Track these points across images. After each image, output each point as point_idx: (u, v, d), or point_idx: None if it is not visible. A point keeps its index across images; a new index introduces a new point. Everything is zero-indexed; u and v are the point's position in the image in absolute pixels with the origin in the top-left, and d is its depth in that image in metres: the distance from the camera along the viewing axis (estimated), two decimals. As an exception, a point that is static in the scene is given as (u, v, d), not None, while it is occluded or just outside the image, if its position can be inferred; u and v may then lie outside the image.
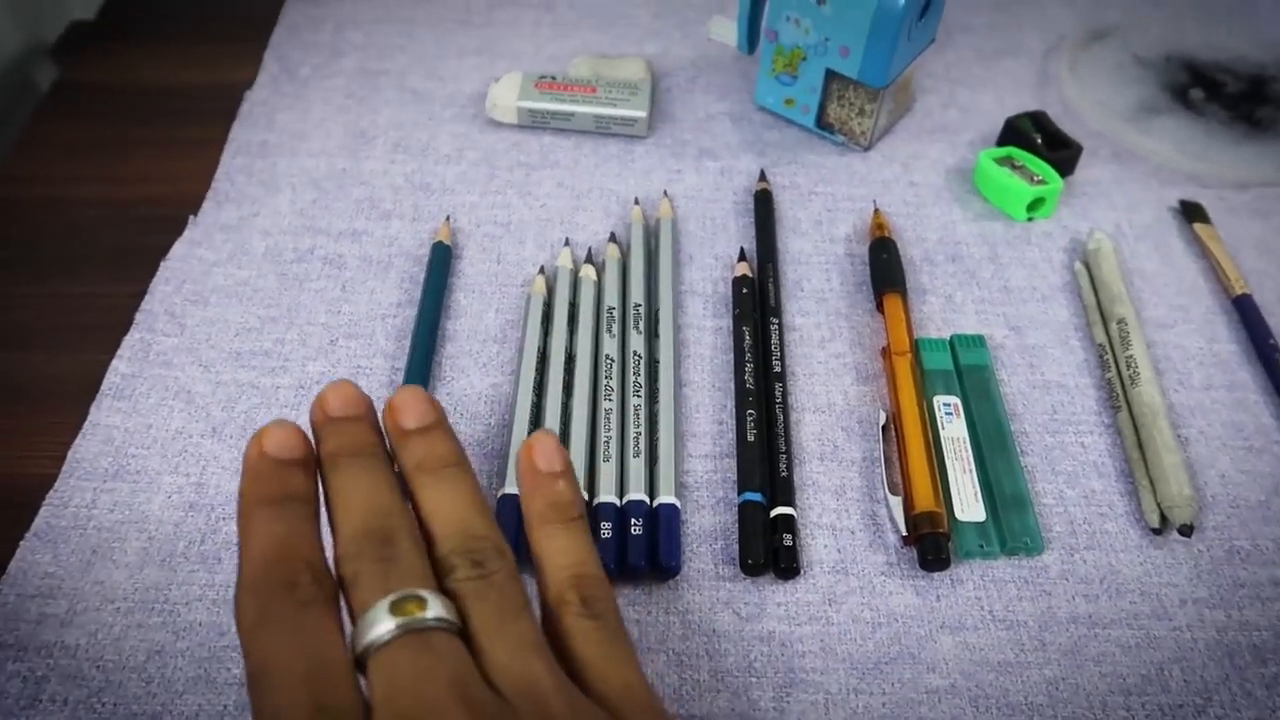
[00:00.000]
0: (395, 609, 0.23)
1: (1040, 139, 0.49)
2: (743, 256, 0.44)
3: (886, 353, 0.40)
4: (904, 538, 0.35)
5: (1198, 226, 0.47)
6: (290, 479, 0.25)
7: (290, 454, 0.26)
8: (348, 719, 0.21)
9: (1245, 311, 0.43)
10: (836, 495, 0.37)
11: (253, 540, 0.24)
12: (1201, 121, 0.53)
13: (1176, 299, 0.44)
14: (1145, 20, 0.59)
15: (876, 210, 0.46)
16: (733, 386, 0.39)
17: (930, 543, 0.34)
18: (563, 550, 0.26)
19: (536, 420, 0.38)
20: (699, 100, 0.53)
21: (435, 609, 0.23)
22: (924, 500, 0.35)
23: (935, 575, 0.34)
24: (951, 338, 0.41)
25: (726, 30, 0.51)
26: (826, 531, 0.36)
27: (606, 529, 0.34)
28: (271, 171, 0.47)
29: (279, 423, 0.26)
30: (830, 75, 0.48)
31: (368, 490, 0.25)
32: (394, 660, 0.22)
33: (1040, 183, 0.47)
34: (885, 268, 0.43)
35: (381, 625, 0.22)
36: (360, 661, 0.23)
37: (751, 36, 0.51)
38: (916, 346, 0.41)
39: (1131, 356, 0.40)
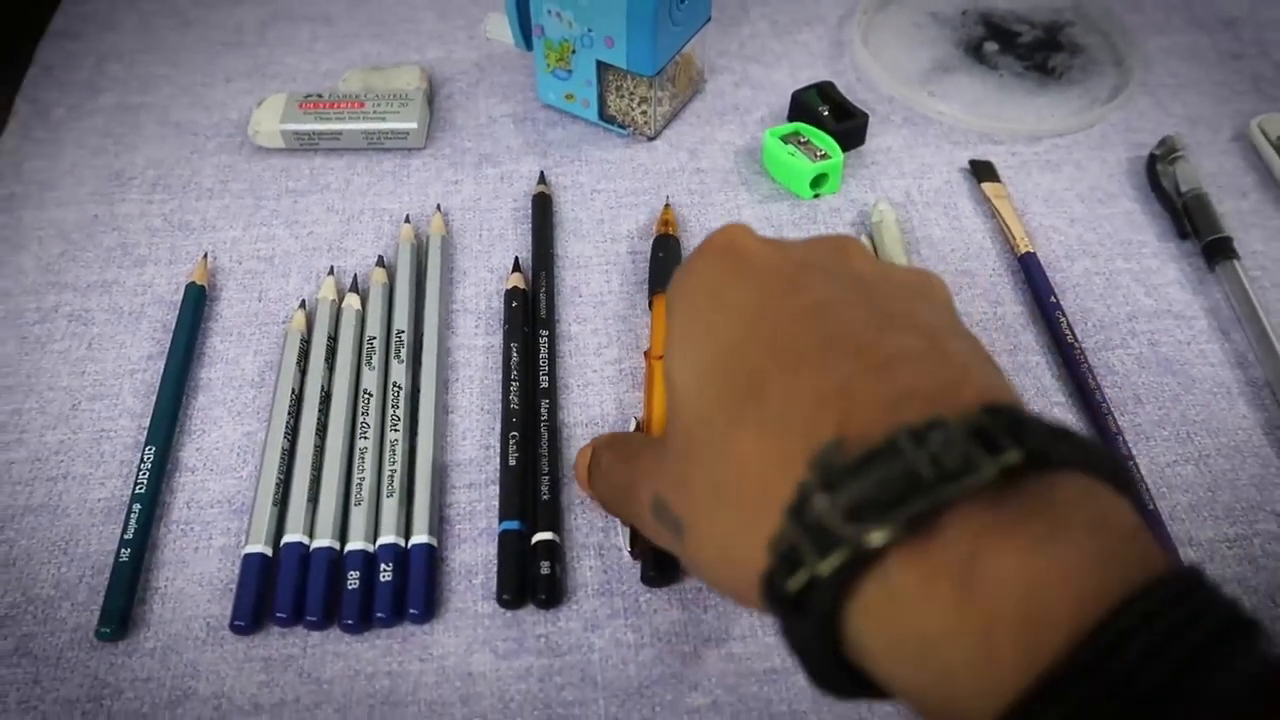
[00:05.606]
0: None
1: (827, 111, 0.48)
2: (517, 267, 0.42)
3: (648, 356, 0.39)
4: (630, 551, 0.34)
5: (986, 186, 0.46)
6: None
7: None
8: None
9: (1029, 270, 0.43)
10: (604, 512, 0.35)
11: None
12: (995, 76, 0.52)
13: (963, 263, 0.43)
14: (943, -25, 0.58)
15: (667, 205, 0.45)
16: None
17: (650, 557, 0.33)
18: None
19: (288, 467, 0.36)
20: (482, 104, 0.51)
21: None
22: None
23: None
24: (728, 331, 0.40)
25: (502, 28, 0.49)
26: (592, 552, 0.34)
27: (354, 578, 0.32)
28: (16, 227, 0.44)
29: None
30: (602, 66, 0.46)
31: None
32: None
33: (824, 157, 0.46)
34: (660, 266, 0.42)
35: None
36: None
37: (525, 31, 0.49)
38: (690, 344, 0.39)
39: (909, 331, 0.39)
